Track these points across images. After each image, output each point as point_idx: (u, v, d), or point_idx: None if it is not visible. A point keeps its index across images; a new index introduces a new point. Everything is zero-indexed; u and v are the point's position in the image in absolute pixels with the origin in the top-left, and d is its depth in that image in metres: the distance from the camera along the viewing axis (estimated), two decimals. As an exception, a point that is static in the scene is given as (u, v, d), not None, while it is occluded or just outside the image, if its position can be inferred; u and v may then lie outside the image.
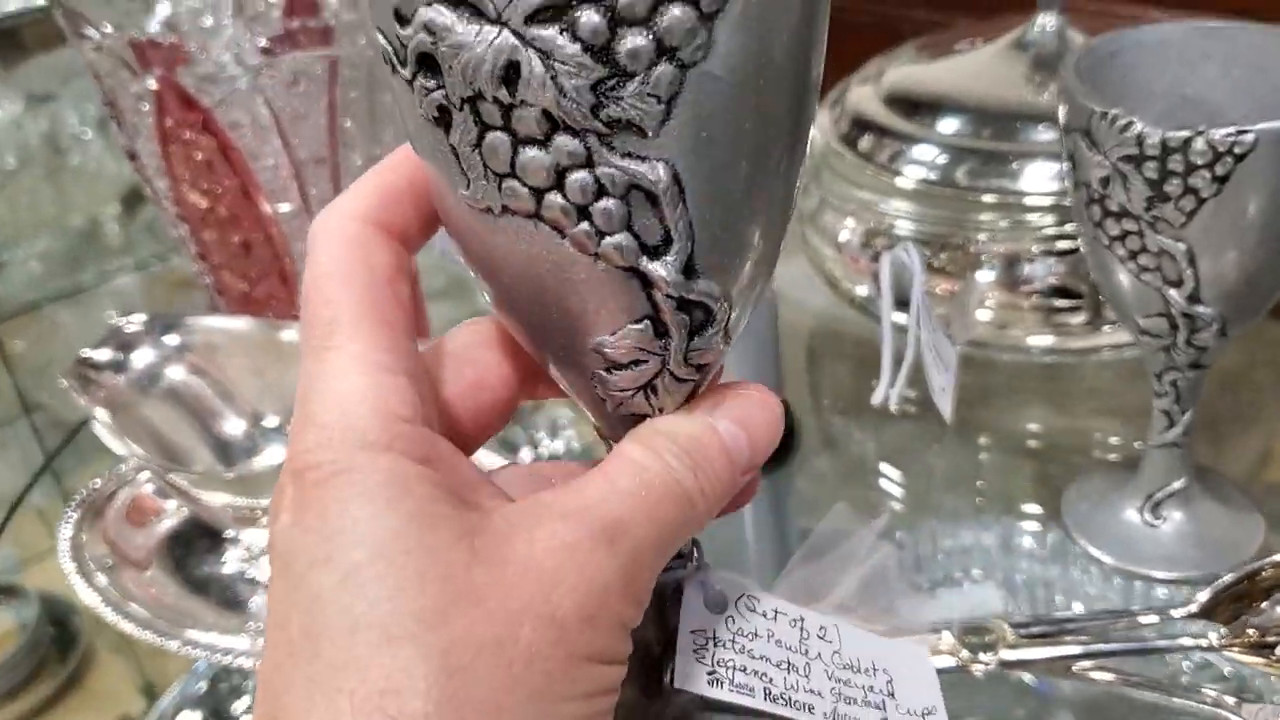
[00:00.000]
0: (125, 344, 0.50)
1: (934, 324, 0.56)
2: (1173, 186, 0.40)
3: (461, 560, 0.22)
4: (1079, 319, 0.57)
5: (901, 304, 0.53)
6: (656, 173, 0.22)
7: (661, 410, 0.26)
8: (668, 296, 0.24)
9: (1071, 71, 0.43)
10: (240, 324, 0.53)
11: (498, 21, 0.21)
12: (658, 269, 0.23)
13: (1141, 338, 0.45)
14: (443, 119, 0.22)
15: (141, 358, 0.50)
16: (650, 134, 0.22)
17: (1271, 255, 0.41)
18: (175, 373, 0.50)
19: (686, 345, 0.25)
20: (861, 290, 0.63)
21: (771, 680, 0.29)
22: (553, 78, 0.21)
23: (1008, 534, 0.64)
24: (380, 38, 0.23)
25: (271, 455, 0.51)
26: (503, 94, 0.21)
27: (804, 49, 0.23)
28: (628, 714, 0.26)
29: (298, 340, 0.28)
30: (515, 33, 0.21)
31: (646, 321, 0.24)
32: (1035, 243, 0.57)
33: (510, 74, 0.21)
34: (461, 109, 0.22)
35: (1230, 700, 0.42)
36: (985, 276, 0.58)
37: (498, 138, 0.22)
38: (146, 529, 0.50)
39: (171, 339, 0.51)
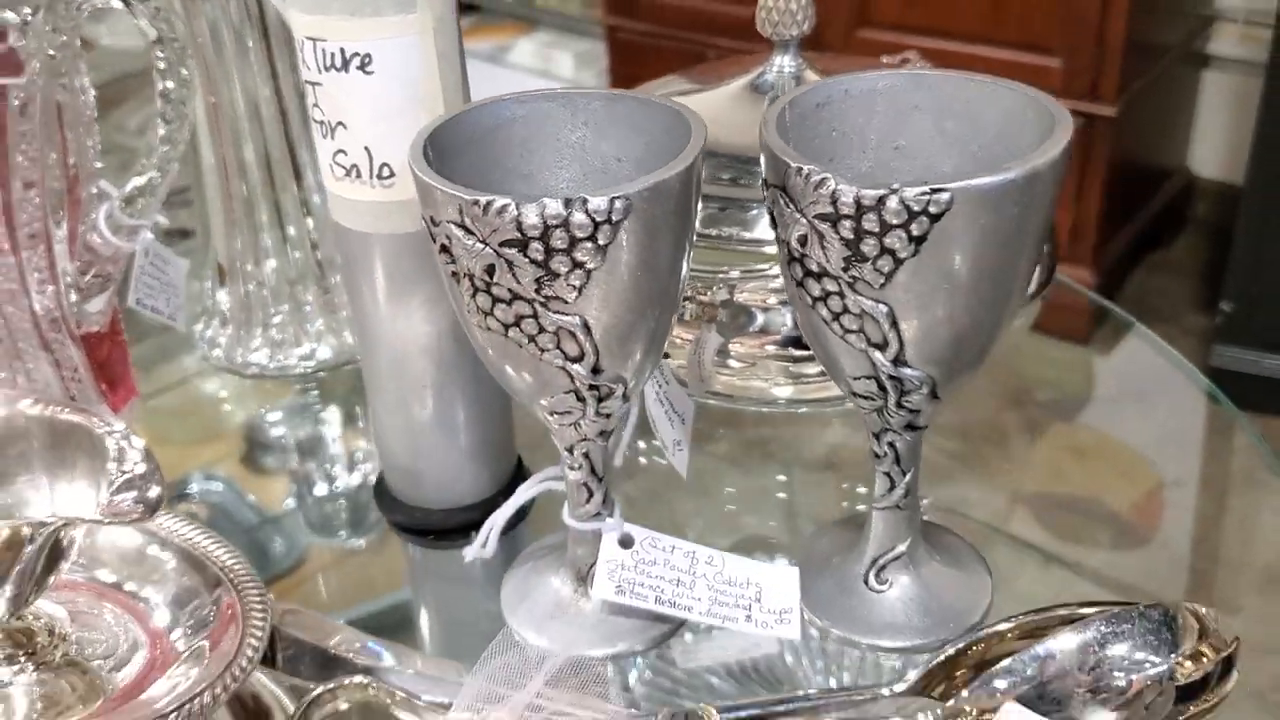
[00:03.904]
0: None
1: (666, 375, 0.54)
2: (869, 246, 0.37)
3: None
4: (816, 368, 0.55)
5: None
6: (573, 322, 0.39)
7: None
8: (583, 383, 0.41)
9: (773, 125, 0.40)
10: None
11: (483, 241, 0.37)
12: (577, 369, 0.40)
13: (854, 399, 0.43)
14: (454, 279, 0.40)
15: None
16: (569, 302, 0.38)
17: (978, 316, 0.40)
18: None
19: (597, 406, 0.42)
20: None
21: (662, 590, 0.45)
22: (512, 274, 0.38)
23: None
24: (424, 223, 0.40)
25: None
26: (483, 278, 0.38)
27: (676, 242, 0.40)
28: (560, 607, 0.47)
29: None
30: (493, 249, 0.37)
31: (571, 394, 0.42)
32: (773, 293, 0.54)
33: (489, 269, 0.38)
34: (461, 281, 0.39)
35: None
36: (723, 327, 0.55)
37: (482, 297, 0.39)
38: None
39: None
